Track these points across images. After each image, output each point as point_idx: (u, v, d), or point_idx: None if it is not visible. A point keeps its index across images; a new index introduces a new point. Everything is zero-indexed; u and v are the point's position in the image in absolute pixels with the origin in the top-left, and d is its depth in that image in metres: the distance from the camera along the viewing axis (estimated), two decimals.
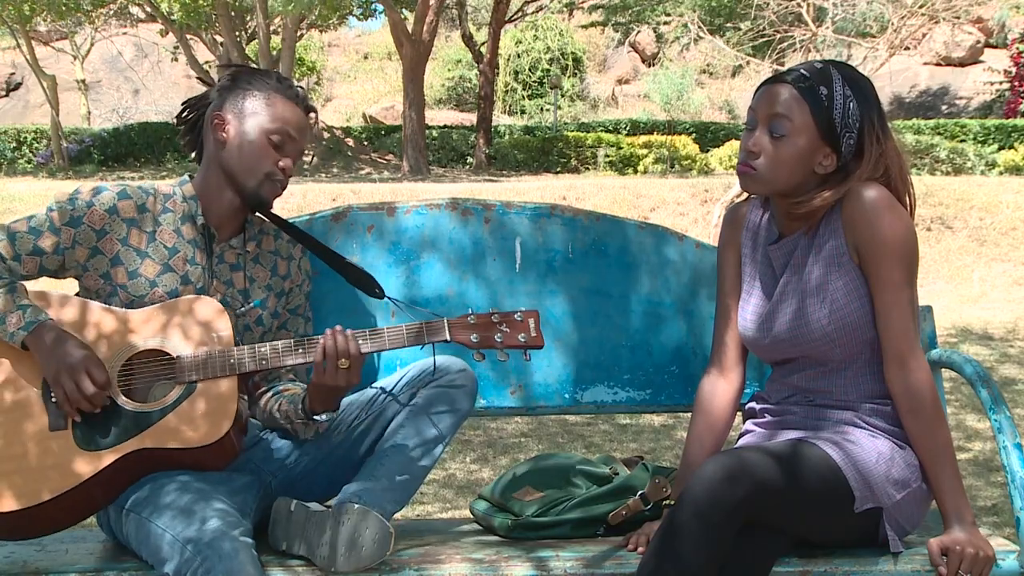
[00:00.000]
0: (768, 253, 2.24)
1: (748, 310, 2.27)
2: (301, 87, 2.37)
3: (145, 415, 2.13)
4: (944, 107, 29.15)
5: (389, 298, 2.49)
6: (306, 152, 2.52)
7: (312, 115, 2.38)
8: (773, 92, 2.14)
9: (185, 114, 2.38)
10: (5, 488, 2.08)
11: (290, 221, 2.45)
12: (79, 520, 2.18)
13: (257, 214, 2.38)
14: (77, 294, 2.27)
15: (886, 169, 2.13)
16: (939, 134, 21.87)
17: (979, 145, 21.53)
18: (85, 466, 2.09)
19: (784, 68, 2.13)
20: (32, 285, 2.23)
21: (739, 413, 2.38)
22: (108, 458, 2.09)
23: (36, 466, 2.09)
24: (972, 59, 29.71)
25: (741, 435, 2.31)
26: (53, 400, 2.12)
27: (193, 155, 2.39)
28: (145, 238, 2.24)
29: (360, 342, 2.16)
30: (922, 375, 2.09)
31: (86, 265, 2.22)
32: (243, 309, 2.30)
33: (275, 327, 2.39)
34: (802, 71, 2.13)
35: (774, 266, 2.23)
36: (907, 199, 2.17)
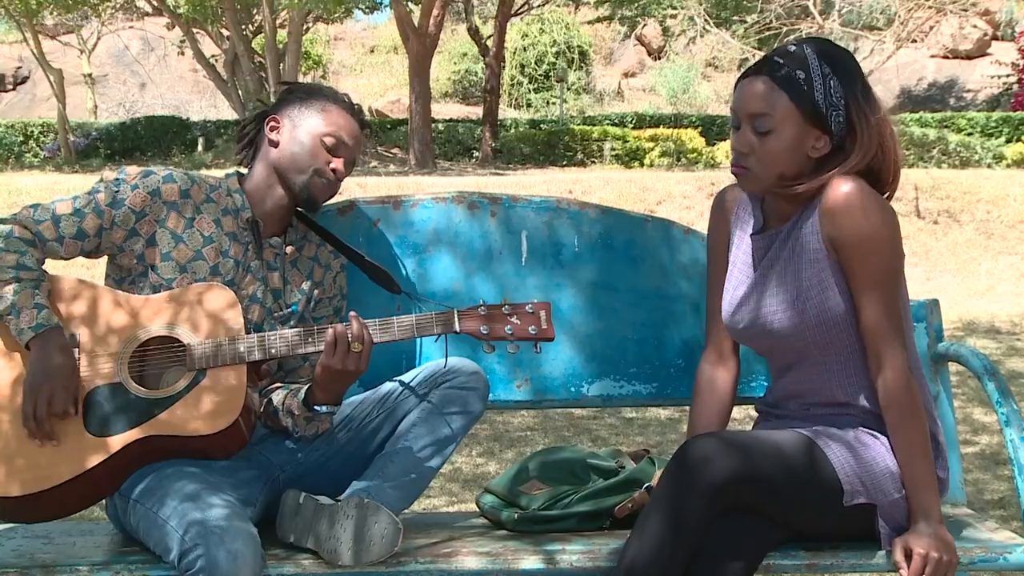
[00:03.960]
0: (751, 243, 2.21)
1: (727, 299, 2.23)
2: (358, 104, 2.43)
3: (154, 402, 2.14)
4: (951, 100, 29.07)
5: (405, 292, 2.50)
6: (356, 163, 2.68)
7: (366, 130, 2.43)
8: (749, 89, 2.06)
9: (246, 129, 2.43)
10: (16, 472, 2.09)
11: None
12: (82, 508, 2.19)
13: (301, 223, 2.42)
14: (107, 274, 2.30)
15: (881, 142, 2.06)
16: (946, 127, 21.78)
17: (986, 138, 21.45)
18: (94, 452, 2.10)
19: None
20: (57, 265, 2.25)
21: (750, 406, 2.37)
22: (116, 444, 2.10)
23: (45, 451, 2.10)
24: (979, 52, 29.62)
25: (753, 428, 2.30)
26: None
27: (241, 165, 2.43)
28: (183, 223, 2.27)
29: (371, 331, 2.17)
30: (892, 373, 2.03)
31: (121, 246, 2.24)
32: (281, 313, 2.32)
33: None
34: (775, 58, 2.06)
35: (754, 256, 2.20)
36: (893, 176, 2.10)
